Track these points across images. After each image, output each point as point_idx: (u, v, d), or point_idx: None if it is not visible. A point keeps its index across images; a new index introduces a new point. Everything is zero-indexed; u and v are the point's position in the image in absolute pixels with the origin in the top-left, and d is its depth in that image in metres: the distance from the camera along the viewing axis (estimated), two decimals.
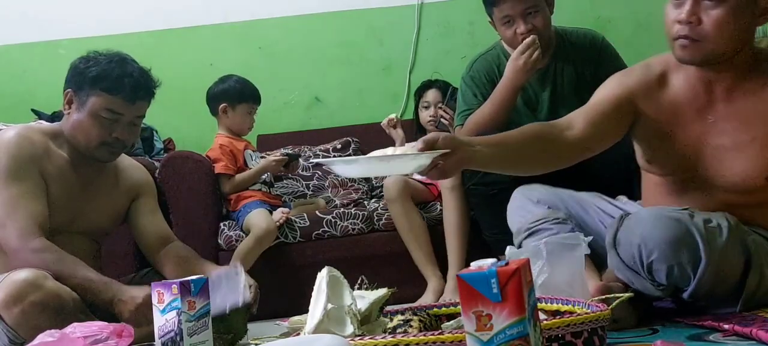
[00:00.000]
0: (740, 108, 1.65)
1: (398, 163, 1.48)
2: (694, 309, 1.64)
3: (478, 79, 2.48)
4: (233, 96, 2.99)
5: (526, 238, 1.86)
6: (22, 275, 1.74)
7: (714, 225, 1.53)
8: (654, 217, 1.54)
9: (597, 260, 1.78)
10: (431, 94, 3.15)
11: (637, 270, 1.56)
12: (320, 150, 3.41)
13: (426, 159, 1.44)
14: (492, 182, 2.30)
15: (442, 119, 2.93)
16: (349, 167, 1.57)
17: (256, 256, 2.66)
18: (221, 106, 2.99)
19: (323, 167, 3.20)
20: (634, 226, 1.56)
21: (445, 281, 2.60)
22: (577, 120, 1.72)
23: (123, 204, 2.15)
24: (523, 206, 1.92)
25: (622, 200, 1.92)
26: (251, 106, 3.02)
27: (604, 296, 1.50)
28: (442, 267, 2.62)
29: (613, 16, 3.62)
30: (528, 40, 2.27)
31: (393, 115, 3.24)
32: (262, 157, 3.07)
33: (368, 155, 1.50)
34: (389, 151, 1.48)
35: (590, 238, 1.65)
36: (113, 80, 1.95)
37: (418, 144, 1.46)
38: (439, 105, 3.04)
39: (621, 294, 1.53)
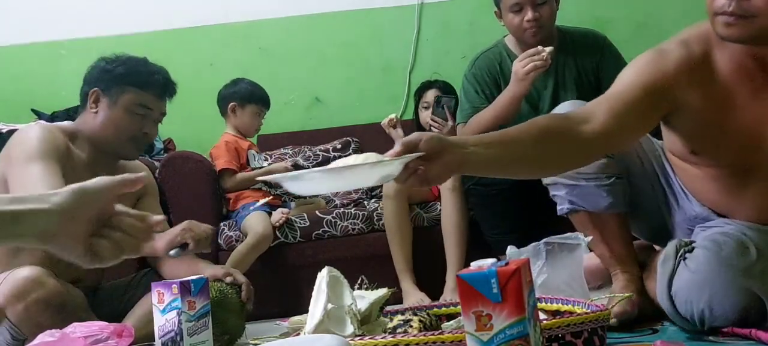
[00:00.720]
0: None
1: (355, 175, 1.19)
2: None
3: (480, 76, 2.49)
4: (244, 96, 3.06)
5: (564, 185, 1.70)
6: (25, 272, 1.74)
7: None
8: (723, 282, 1.41)
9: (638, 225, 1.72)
10: (431, 95, 3.14)
11: (695, 325, 1.46)
12: (320, 150, 3.41)
13: (392, 167, 1.19)
14: (492, 182, 2.30)
15: (433, 128, 2.85)
16: (297, 184, 1.25)
17: (251, 261, 2.65)
18: (231, 105, 3.04)
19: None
20: (698, 283, 1.42)
21: (419, 291, 2.60)
22: (597, 111, 1.41)
23: (128, 205, 2.15)
24: None
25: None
26: (260, 109, 3.08)
27: (613, 295, 1.48)
28: (442, 267, 2.62)
29: (613, 16, 3.62)
30: (531, 50, 2.25)
31: (393, 115, 3.24)
32: (265, 158, 3.08)
33: (323, 167, 1.24)
34: (351, 160, 1.21)
35: (590, 238, 1.63)
36: (144, 77, 2.03)
37: (396, 147, 1.21)
38: (432, 115, 2.97)
39: (621, 294, 1.53)
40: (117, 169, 2.10)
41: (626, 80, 1.47)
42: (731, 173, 1.54)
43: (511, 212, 2.31)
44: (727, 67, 1.45)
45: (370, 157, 1.19)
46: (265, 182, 2.96)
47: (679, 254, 1.49)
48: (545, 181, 1.75)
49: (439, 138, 1.24)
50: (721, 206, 1.58)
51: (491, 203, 2.34)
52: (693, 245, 1.51)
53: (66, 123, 2.10)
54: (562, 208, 1.74)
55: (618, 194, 1.66)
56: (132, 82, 2.01)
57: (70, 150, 1.97)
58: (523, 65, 2.23)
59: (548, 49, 2.23)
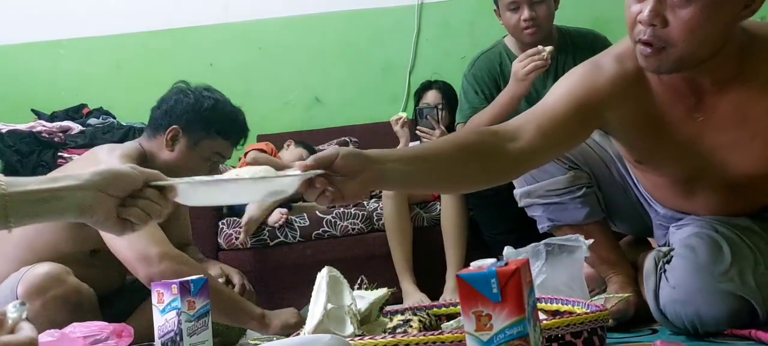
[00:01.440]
0: (735, 103, 1.37)
1: (240, 188, 1.15)
2: None
3: (480, 77, 2.49)
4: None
5: (540, 204, 1.75)
6: (44, 268, 1.74)
7: (763, 269, 1.42)
8: (707, 294, 1.40)
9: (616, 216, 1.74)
10: (431, 95, 3.14)
11: (686, 332, 1.46)
12: (320, 150, 3.40)
13: (281, 183, 1.14)
14: None
15: (422, 139, 2.84)
16: (184, 194, 1.18)
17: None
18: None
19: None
20: (683, 298, 1.43)
21: (419, 291, 2.60)
22: (525, 129, 1.40)
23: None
24: (543, 169, 1.69)
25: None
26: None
27: (613, 295, 1.49)
28: (442, 267, 2.62)
29: (613, 16, 3.60)
30: (530, 50, 2.25)
31: (402, 114, 3.21)
32: None
33: (208, 178, 1.21)
34: (243, 172, 1.17)
35: (591, 241, 1.61)
36: (228, 124, 1.97)
37: (309, 161, 1.16)
38: (418, 127, 2.89)
39: (621, 294, 1.53)
40: None
41: (558, 95, 1.45)
42: (674, 182, 1.55)
43: (510, 212, 2.29)
44: (659, 87, 1.42)
45: (263, 171, 1.16)
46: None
47: (659, 268, 1.50)
48: (520, 203, 1.80)
49: (357, 154, 1.20)
50: (679, 207, 1.61)
51: (491, 203, 2.34)
52: (671, 253, 1.51)
53: (134, 147, 1.98)
54: (542, 226, 1.79)
55: (593, 203, 1.71)
56: (217, 130, 1.95)
57: None
58: (523, 65, 2.22)
59: (548, 48, 2.23)
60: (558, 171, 1.69)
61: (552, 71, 2.44)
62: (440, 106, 2.94)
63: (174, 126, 1.94)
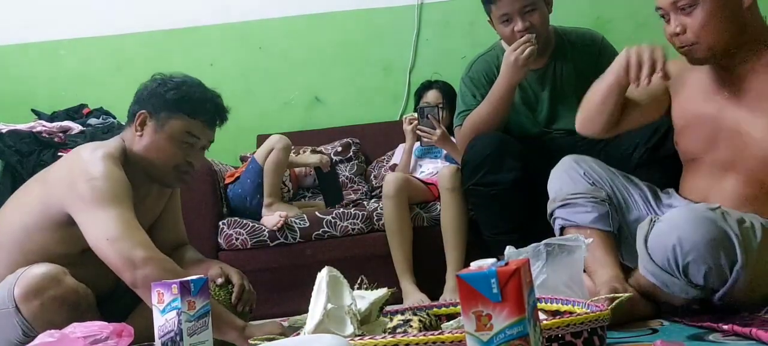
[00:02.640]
0: (755, 84, 1.65)
1: None
2: (712, 308, 1.65)
3: (477, 79, 2.49)
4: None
5: (559, 207, 1.85)
6: (42, 269, 1.73)
7: (748, 225, 1.52)
8: (689, 218, 1.51)
9: (629, 250, 1.79)
10: (432, 95, 3.14)
11: (672, 272, 1.54)
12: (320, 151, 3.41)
13: None
14: (492, 182, 2.30)
15: (423, 138, 2.86)
16: None
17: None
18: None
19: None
20: (668, 228, 1.53)
21: (420, 291, 2.60)
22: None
23: (161, 207, 2.14)
24: (568, 174, 1.89)
25: (670, 193, 1.89)
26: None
27: (613, 296, 1.49)
28: (442, 267, 2.63)
29: (613, 16, 3.62)
30: (522, 38, 2.27)
31: (414, 115, 3.21)
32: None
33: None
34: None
35: (590, 240, 1.64)
36: (195, 103, 1.93)
37: None
38: (418, 126, 2.91)
39: (621, 294, 1.52)
40: (163, 191, 2.08)
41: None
42: (702, 163, 1.77)
43: (510, 212, 2.31)
44: (700, 69, 1.75)
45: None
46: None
47: (653, 220, 1.62)
48: (548, 210, 1.91)
49: None
50: (707, 195, 1.75)
51: (490, 203, 2.34)
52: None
53: (116, 144, 1.97)
54: (556, 228, 1.89)
55: (603, 213, 1.82)
56: (182, 108, 1.92)
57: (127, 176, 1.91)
58: (520, 51, 2.24)
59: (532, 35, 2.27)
60: (581, 184, 1.87)
61: (549, 76, 2.45)
62: (441, 106, 2.95)
63: (142, 111, 1.94)
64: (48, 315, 1.69)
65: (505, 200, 2.29)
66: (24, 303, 1.71)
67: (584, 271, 1.68)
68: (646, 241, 1.59)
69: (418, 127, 2.83)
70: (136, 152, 1.94)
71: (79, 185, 1.80)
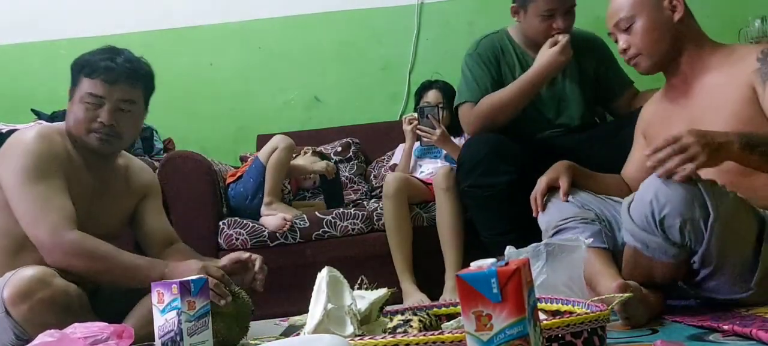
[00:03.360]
0: (701, 84, 1.81)
1: None
2: (705, 305, 1.66)
3: (485, 55, 2.50)
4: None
5: (553, 235, 1.88)
6: (30, 272, 1.73)
7: (719, 186, 1.56)
8: (664, 178, 1.56)
9: (620, 261, 1.80)
10: (432, 95, 3.14)
11: (651, 230, 1.57)
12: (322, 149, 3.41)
13: None
14: (487, 184, 2.30)
15: (423, 138, 2.86)
16: None
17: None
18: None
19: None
20: (645, 187, 1.59)
21: (420, 291, 2.60)
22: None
23: (131, 206, 2.15)
24: (555, 206, 1.95)
25: None
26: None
27: (610, 296, 1.50)
28: (442, 267, 2.62)
29: None
30: (561, 35, 2.33)
31: (415, 115, 3.21)
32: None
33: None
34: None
35: (591, 240, 1.65)
36: (94, 65, 1.96)
37: None
38: (418, 125, 2.91)
39: (622, 294, 1.52)
40: (114, 170, 2.10)
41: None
42: None
43: (506, 213, 2.30)
44: (659, 93, 1.99)
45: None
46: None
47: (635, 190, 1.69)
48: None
49: None
50: None
51: (486, 204, 2.34)
52: None
53: (56, 126, 2.06)
54: None
55: (596, 233, 1.83)
56: (84, 71, 1.96)
57: (69, 152, 1.96)
58: (564, 42, 2.32)
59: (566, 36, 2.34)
60: (569, 209, 1.92)
61: (557, 74, 2.46)
62: (441, 105, 2.95)
63: (70, 87, 2.00)
64: (38, 318, 1.69)
65: (500, 201, 2.29)
66: (13, 307, 1.71)
67: (587, 284, 1.69)
68: (629, 205, 1.65)
69: (418, 126, 2.83)
70: (66, 124, 1.99)
71: (6, 161, 1.87)
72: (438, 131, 2.75)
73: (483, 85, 2.45)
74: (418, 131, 2.84)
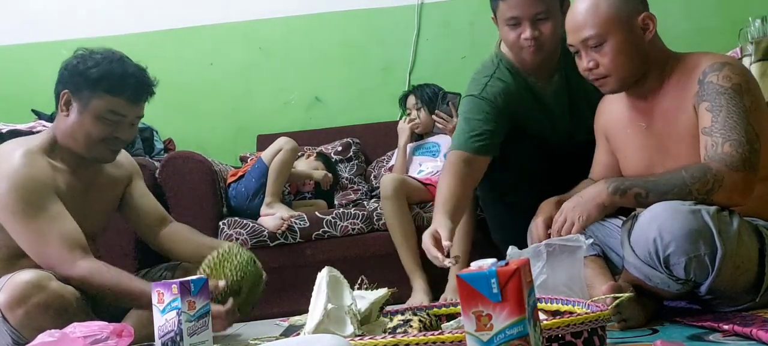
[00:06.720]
0: (667, 103, 1.75)
1: None
2: (703, 307, 1.66)
3: (493, 99, 2.17)
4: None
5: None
6: (25, 276, 1.74)
7: (724, 213, 1.54)
8: (668, 210, 1.53)
9: (612, 268, 1.79)
10: (410, 101, 3.21)
11: (654, 266, 1.56)
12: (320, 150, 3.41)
13: None
14: (511, 203, 2.25)
15: (437, 125, 2.89)
16: None
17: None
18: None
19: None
20: (648, 221, 1.55)
21: (428, 285, 2.59)
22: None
23: (119, 194, 2.16)
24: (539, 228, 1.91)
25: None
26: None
27: (614, 295, 1.50)
28: (443, 268, 2.62)
29: None
30: (434, 252, 1.88)
31: (414, 116, 3.22)
32: None
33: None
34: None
35: (591, 240, 1.65)
36: (116, 81, 1.91)
37: None
38: (418, 108, 3.04)
39: (623, 294, 1.52)
40: (100, 167, 2.08)
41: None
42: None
43: (517, 218, 2.13)
44: (618, 105, 1.90)
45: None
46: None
47: (635, 215, 1.65)
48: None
49: None
50: None
51: (501, 206, 2.32)
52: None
53: (43, 136, 2.00)
54: None
55: (589, 243, 1.78)
56: (103, 87, 1.89)
57: (53, 167, 1.93)
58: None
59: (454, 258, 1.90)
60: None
61: (564, 88, 2.23)
62: (417, 107, 3.05)
63: (64, 91, 1.94)
64: (34, 322, 1.69)
65: (509, 204, 2.27)
66: (9, 312, 1.72)
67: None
68: (629, 235, 1.61)
69: (437, 111, 2.84)
70: (64, 133, 1.95)
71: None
72: (454, 120, 2.74)
73: (483, 135, 2.13)
74: (434, 117, 2.86)
